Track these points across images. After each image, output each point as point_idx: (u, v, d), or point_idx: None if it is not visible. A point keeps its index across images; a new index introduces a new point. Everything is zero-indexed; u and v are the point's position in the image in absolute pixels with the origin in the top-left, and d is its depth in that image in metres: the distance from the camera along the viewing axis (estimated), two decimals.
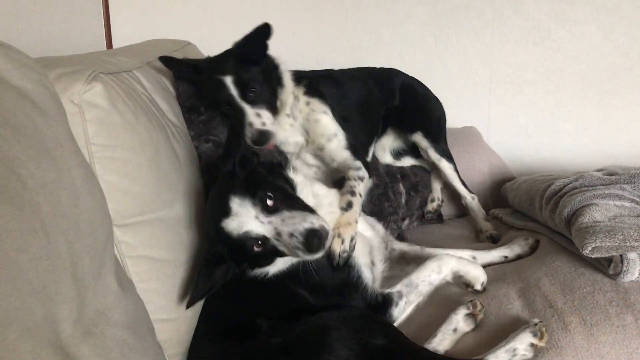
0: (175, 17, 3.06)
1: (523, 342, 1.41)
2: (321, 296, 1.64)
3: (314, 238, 1.43)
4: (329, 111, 2.08)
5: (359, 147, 2.13)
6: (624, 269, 1.55)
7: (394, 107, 2.50)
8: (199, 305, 1.59)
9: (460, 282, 1.77)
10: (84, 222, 0.96)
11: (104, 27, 2.97)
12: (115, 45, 3.00)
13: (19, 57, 1.07)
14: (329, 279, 1.66)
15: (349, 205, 1.81)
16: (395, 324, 1.67)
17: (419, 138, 2.45)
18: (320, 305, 1.58)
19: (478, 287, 1.73)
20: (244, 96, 1.84)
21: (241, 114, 1.83)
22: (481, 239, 2.34)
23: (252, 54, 1.92)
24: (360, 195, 1.91)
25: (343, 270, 1.68)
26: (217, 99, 1.87)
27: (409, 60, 3.14)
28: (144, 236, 1.42)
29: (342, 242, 1.69)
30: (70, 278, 0.87)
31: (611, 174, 2.08)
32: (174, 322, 1.50)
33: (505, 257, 1.98)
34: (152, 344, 1.14)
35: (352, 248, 1.70)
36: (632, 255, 1.56)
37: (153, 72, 1.81)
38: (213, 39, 2.99)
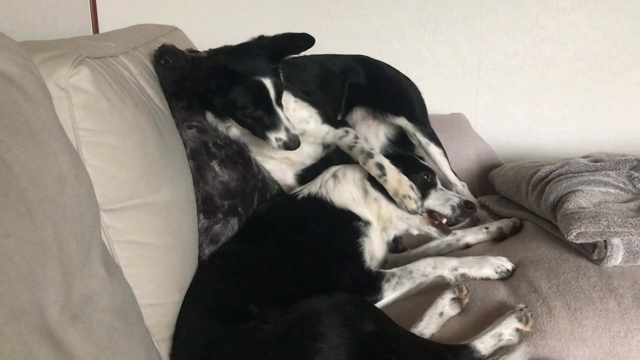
0: (162, 2, 3.04)
1: (508, 327, 1.43)
2: (322, 261, 1.71)
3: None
4: (299, 100, 2.06)
5: (331, 116, 2.14)
6: (608, 254, 1.57)
7: (360, 85, 2.44)
8: (185, 290, 1.61)
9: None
10: (70, 207, 0.96)
11: (90, 12, 2.94)
12: (101, 30, 2.97)
13: (3, 41, 1.05)
14: (334, 246, 1.76)
15: (380, 167, 1.88)
16: (383, 302, 1.69)
17: (404, 122, 2.38)
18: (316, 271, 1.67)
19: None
20: (277, 102, 1.81)
21: (277, 119, 1.80)
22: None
23: (278, 55, 1.87)
24: (372, 148, 1.98)
25: (350, 242, 1.78)
26: (251, 101, 1.78)
27: (398, 48, 3.13)
28: (131, 221, 1.42)
29: (409, 197, 1.85)
30: (57, 263, 0.87)
31: (597, 161, 2.10)
32: (162, 306, 1.51)
33: (487, 228, 2.02)
34: (139, 329, 1.14)
35: (417, 192, 1.89)
36: (615, 241, 1.58)
37: (140, 58, 1.80)
38: (200, 24, 2.98)
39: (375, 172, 1.89)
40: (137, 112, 1.51)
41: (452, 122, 2.89)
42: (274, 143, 1.80)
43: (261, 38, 1.88)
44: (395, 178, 1.87)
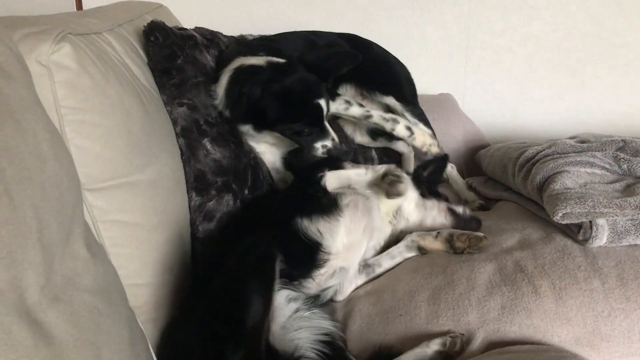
0: None
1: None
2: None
3: None
4: None
5: None
6: (593, 234, 1.58)
7: None
8: (176, 269, 1.60)
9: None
10: (50, 187, 0.94)
11: None
12: (85, 7, 2.91)
13: None
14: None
15: (408, 129, 2.18)
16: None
17: (392, 102, 2.37)
18: None
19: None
20: (326, 116, 1.87)
21: (326, 133, 1.87)
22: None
23: (326, 75, 1.92)
24: (368, 110, 2.16)
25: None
26: (308, 124, 1.85)
27: (386, 26, 3.11)
28: (116, 200, 1.41)
29: (435, 145, 2.19)
30: (36, 243, 0.86)
31: (583, 142, 2.11)
32: (148, 286, 1.50)
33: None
34: (123, 309, 1.13)
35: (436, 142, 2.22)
36: (601, 222, 1.59)
37: (124, 35, 1.76)
38: (185, 1, 2.93)
39: (404, 133, 2.17)
40: (121, 90, 1.48)
41: (440, 103, 2.88)
42: (319, 151, 1.87)
43: (306, 56, 1.92)
44: (420, 134, 2.18)
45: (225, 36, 2.29)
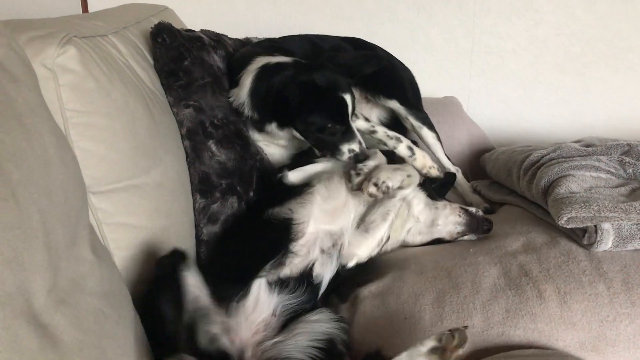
0: None
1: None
2: None
3: None
4: None
5: None
6: (598, 239, 1.58)
7: None
8: None
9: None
10: (56, 191, 0.95)
11: None
12: (90, 10, 2.92)
13: None
14: None
15: (410, 149, 2.12)
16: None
17: (396, 106, 2.37)
18: None
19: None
20: (351, 117, 1.86)
21: (352, 134, 1.85)
22: None
23: (350, 75, 1.91)
24: (373, 126, 2.19)
25: None
26: (331, 117, 1.82)
27: (391, 29, 3.11)
28: (120, 203, 1.41)
29: (433, 167, 2.12)
30: (43, 247, 0.86)
31: (588, 145, 2.10)
32: None
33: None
34: (128, 312, 1.14)
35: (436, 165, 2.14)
36: (606, 226, 1.58)
37: (130, 38, 1.77)
38: (190, 4, 2.94)
39: (406, 153, 2.11)
40: (126, 93, 1.49)
41: (444, 106, 2.88)
42: (345, 155, 1.84)
43: (335, 57, 1.93)
44: (421, 156, 2.12)
45: (230, 39, 2.30)
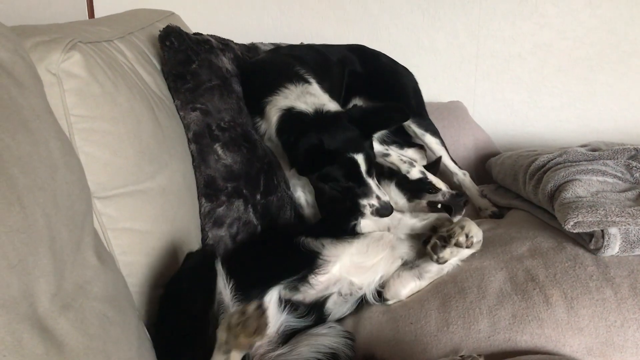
0: None
1: None
2: None
3: None
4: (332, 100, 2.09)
5: None
6: (605, 243, 1.57)
7: (357, 74, 2.44)
8: None
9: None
10: (62, 195, 0.95)
11: None
12: (97, 15, 2.94)
13: None
14: None
15: (423, 173, 2.24)
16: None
17: None
18: None
19: None
20: (368, 172, 1.85)
21: (368, 189, 1.84)
22: (482, 217, 2.30)
23: (371, 130, 1.90)
24: (387, 149, 2.27)
25: None
26: (343, 176, 1.84)
27: (396, 34, 3.11)
28: (125, 208, 1.41)
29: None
30: (48, 252, 0.86)
31: (595, 150, 2.10)
32: (157, 295, 1.50)
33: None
34: (132, 318, 1.14)
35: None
36: (613, 230, 1.58)
37: (136, 43, 1.77)
38: (196, 9, 2.95)
39: (418, 177, 2.18)
40: (131, 98, 1.49)
41: (450, 110, 2.88)
42: (367, 209, 1.84)
43: (354, 109, 1.94)
44: (434, 180, 2.17)
45: (236, 44, 2.31)
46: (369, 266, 1.70)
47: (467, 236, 1.61)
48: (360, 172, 1.83)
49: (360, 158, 1.82)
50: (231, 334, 1.17)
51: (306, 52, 2.32)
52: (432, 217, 1.80)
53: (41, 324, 0.82)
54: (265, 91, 1.98)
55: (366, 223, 1.82)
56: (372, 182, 1.85)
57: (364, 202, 1.83)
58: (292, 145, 1.85)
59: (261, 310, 1.18)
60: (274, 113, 1.93)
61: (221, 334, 1.19)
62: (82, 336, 0.89)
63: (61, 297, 0.88)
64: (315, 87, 2.01)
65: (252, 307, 1.18)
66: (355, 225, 1.79)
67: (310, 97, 1.94)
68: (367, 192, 1.84)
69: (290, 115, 1.90)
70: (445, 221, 1.75)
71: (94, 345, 0.91)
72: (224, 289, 1.44)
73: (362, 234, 1.77)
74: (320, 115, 1.88)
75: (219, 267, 1.47)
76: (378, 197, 1.83)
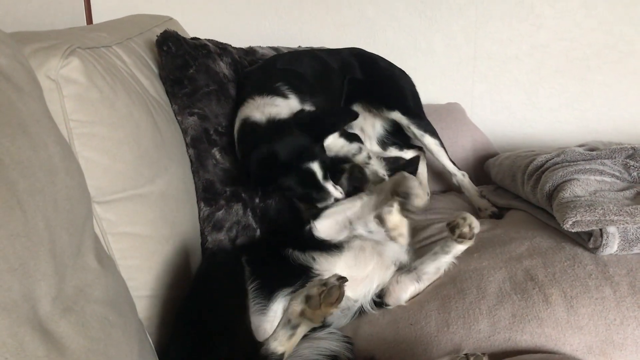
0: None
1: None
2: None
3: None
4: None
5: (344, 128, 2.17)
6: (604, 242, 1.57)
7: (358, 81, 2.42)
8: (184, 285, 1.60)
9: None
10: (62, 199, 0.95)
11: (84, 1, 2.91)
12: (95, 21, 2.95)
13: None
14: None
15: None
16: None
17: (398, 116, 2.39)
18: None
19: None
20: (324, 177, 1.85)
21: (327, 194, 1.85)
22: (482, 217, 2.29)
23: (321, 134, 1.88)
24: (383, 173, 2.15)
25: None
26: (299, 185, 1.84)
27: (393, 37, 3.12)
28: (125, 213, 1.42)
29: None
30: (48, 255, 0.86)
31: (592, 150, 2.10)
32: (157, 298, 1.51)
33: None
34: (133, 321, 1.14)
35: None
36: (611, 229, 1.58)
37: (134, 48, 1.78)
38: (193, 14, 2.96)
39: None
40: (130, 103, 1.50)
41: (447, 112, 2.88)
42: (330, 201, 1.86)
43: (301, 114, 1.87)
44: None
45: (234, 48, 2.31)
46: (362, 278, 1.69)
47: (470, 227, 1.62)
48: (317, 180, 1.82)
49: (315, 166, 1.80)
50: (311, 304, 1.19)
51: (307, 62, 2.26)
52: (386, 184, 1.82)
53: (42, 326, 0.82)
54: (239, 102, 1.97)
55: (322, 223, 1.79)
56: (329, 186, 1.85)
57: (322, 204, 1.84)
58: (245, 157, 1.82)
59: (342, 280, 1.20)
60: (236, 123, 1.91)
61: (295, 307, 1.21)
62: (84, 339, 0.89)
63: (62, 300, 0.88)
64: (289, 102, 1.94)
65: (333, 277, 1.21)
66: (310, 228, 1.77)
67: (270, 107, 1.88)
68: (325, 196, 1.85)
69: (245, 126, 1.86)
70: (401, 178, 1.74)
71: (95, 347, 0.92)
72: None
73: (344, 246, 1.73)
74: (271, 124, 1.84)
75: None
76: (336, 200, 1.85)
